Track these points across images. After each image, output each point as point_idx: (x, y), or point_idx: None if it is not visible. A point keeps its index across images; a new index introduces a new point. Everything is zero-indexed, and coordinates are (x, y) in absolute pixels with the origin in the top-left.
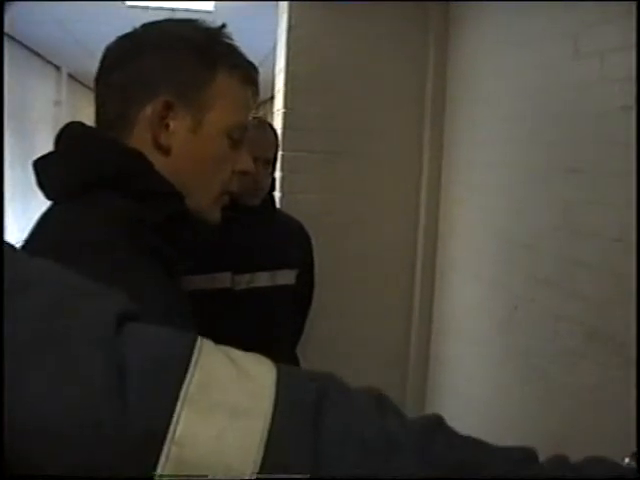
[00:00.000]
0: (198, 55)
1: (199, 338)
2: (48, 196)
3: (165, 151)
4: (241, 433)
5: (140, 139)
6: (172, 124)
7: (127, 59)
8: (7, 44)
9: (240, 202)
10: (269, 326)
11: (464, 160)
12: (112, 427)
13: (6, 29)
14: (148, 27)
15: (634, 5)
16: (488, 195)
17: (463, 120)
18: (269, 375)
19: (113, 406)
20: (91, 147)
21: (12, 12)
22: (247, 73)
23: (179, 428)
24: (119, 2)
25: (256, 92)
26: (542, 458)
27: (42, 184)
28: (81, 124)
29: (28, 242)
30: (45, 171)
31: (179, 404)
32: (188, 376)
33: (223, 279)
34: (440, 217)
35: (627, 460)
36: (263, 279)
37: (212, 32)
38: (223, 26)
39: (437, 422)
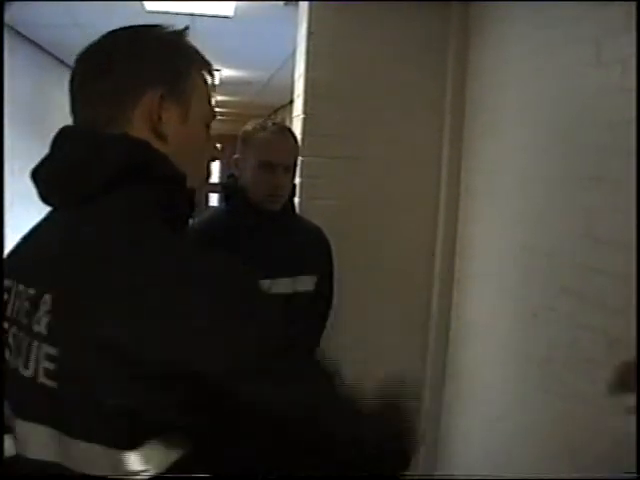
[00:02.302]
0: (176, 52)
1: None
2: (59, 203)
3: (164, 139)
4: None
5: (138, 133)
6: (164, 115)
7: (109, 63)
8: (30, 50)
9: (260, 208)
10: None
11: (483, 167)
12: None
13: (28, 34)
14: (121, 32)
15: (634, 5)
16: (508, 202)
17: (483, 126)
18: None
19: None
20: (103, 143)
21: (12, 11)
22: (211, 69)
23: None
24: (138, 7)
25: (214, 87)
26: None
27: (50, 192)
28: (77, 126)
29: (64, 253)
30: (55, 177)
31: None
32: None
33: None
34: (459, 224)
35: None
36: (283, 285)
37: (181, 33)
38: (187, 28)
39: None
